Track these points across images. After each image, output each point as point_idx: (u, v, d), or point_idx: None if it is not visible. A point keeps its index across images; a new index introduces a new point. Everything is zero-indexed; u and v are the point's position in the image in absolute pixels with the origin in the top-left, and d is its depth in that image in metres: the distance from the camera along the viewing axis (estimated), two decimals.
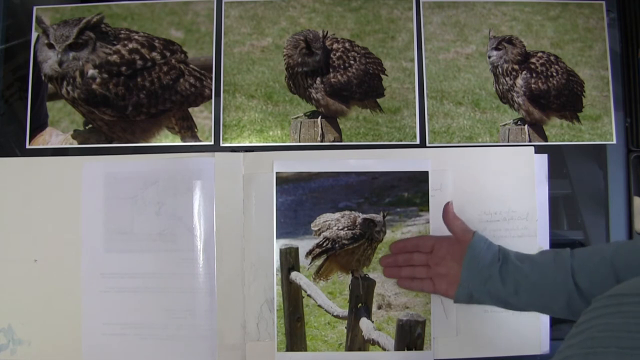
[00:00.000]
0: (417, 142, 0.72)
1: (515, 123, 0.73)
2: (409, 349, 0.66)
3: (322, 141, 0.71)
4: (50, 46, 0.71)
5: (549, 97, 0.73)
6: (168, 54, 0.72)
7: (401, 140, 0.72)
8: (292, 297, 0.67)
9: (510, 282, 0.54)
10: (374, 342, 0.66)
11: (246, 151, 0.70)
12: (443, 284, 0.60)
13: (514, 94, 0.73)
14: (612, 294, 0.37)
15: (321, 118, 0.72)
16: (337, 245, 0.67)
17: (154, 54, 0.71)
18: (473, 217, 0.67)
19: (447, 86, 0.73)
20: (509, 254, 0.56)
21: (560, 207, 0.72)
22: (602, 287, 0.48)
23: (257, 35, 0.73)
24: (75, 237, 0.68)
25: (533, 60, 0.73)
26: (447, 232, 0.63)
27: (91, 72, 0.70)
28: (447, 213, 0.63)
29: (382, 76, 0.73)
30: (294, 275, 0.67)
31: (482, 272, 0.56)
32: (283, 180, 0.68)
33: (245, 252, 0.68)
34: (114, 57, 0.71)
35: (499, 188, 0.69)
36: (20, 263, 0.68)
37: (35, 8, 0.73)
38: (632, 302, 0.34)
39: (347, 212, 0.68)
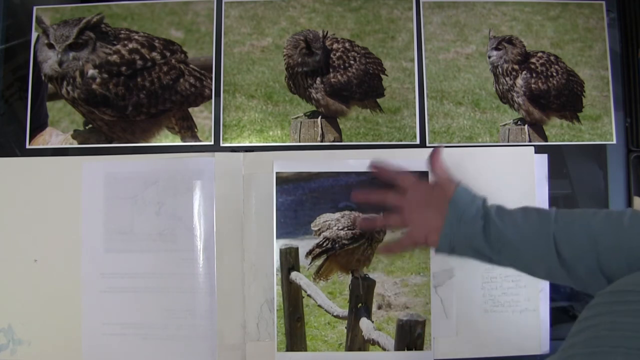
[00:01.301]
0: (417, 142, 0.72)
1: (515, 123, 0.73)
2: (409, 349, 0.66)
3: (322, 141, 0.71)
4: (50, 46, 0.71)
5: (549, 97, 0.73)
6: (168, 54, 0.72)
7: (401, 140, 0.72)
8: (292, 297, 0.67)
9: (492, 241, 0.52)
10: (374, 342, 0.66)
11: (246, 151, 0.70)
12: (418, 230, 0.57)
13: (514, 94, 0.73)
14: (617, 290, 0.37)
15: (321, 118, 0.72)
16: (337, 245, 0.67)
17: (154, 54, 0.71)
18: None
19: (447, 86, 0.73)
20: (490, 213, 0.53)
21: (560, 207, 0.71)
22: (583, 262, 0.47)
23: (257, 35, 0.73)
24: (75, 237, 0.68)
25: (533, 60, 0.73)
26: None
27: (91, 72, 0.70)
28: (436, 157, 0.59)
29: (382, 76, 0.73)
30: (294, 275, 0.67)
31: (465, 229, 0.53)
32: (283, 180, 0.68)
33: (245, 252, 0.68)
34: (114, 57, 0.71)
35: (499, 188, 0.69)
36: (20, 263, 0.68)
37: (35, 8, 0.73)
38: (638, 301, 0.34)
39: (347, 212, 0.68)
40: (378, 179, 0.65)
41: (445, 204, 0.55)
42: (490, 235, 0.52)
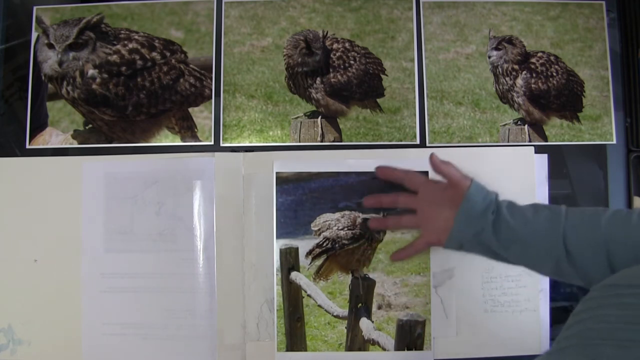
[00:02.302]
0: (417, 142, 0.72)
1: (515, 123, 0.73)
2: (409, 349, 0.66)
3: (322, 141, 0.71)
4: (50, 46, 0.71)
5: (549, 97, 0.73)
6: (168, 54, 0.72)
7: (401, 140, 0.72)
8: (292, 297, 0.67)
9: (502, 237, 0.52)
10: (374, 342, 0.66)
11: (246, 151, 0.70)
12: (431, 231, 0.58)
13: (514, 94, 0.73)
14: (609, 283, 0.37)
15: (321, 118, 0.72)
16: (337, 245, 0.67)
17: (154, 54, 0.71)
18: None
19: (447, 86, 0.73)
20: (502, 208, 0.54)
21: None
22: (592, 259, 0.47)
23: (257, 35, 0.73)
24: (75, 237, 0.68)
25: (533, 60, 0.73)
26: None
27: (91, 72, 0.70)
28: (435, 162, 0.59)
29: (382, 76, 0.73)
30: (294, 275, 0.67)
31: (476, 223, 0.54)
32: (283, 180, 0.68)
33: (245, 252, 0.68)
34: (114, 57, 0.71)
35: (499, 188, 0.68)
36: (20, 263, 0.68)
37: (35, 8, 0.73)
38: (629, 294, 0.34)
39: (347, 212, 0.68)
40: (379, 179, 0.65)
41: (458, 201, 0.55)
42: (500, 230, 0.52)
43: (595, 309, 0.35)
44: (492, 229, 0.53)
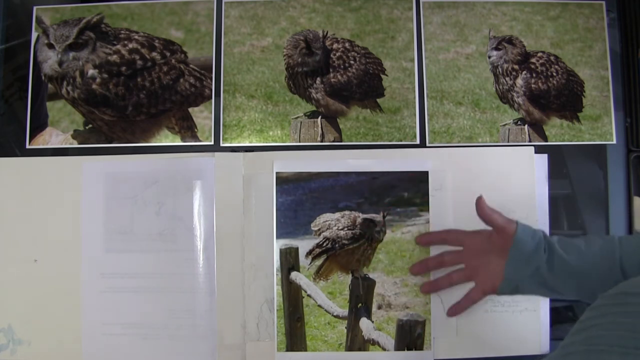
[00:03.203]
0: (417, 142, 0.72)
1: (515, 123, 0.73)
2: (409, 349, 0.66)
3: (322, 141, 0.71)
4: (50, 46, 0.71)
5: (549, 97, 0.73)
6: (168, 54, 0.72)
7: (401, 140, 0.72)
8: (292, 297, 0.67)
9: (557, 273, 0.53)
10: (374, 342, 0.66)
11: (246, 151, 0.70)
12: (485, 280, 0.58)
13: (514, 94, 0.73)
14: (618, 292, 0.37)
15: (321, 118, 0.72)
16: (337, 245, 0.67)
17: (154, 54, 0.71)
18: (473, 217, 0.67)
19: (447, 86, 0.73)
20: (554, 245, 0.54)
21: (560, 207, 0.72)
22: None
23: (257, 35, 0.73)
24: (75, 237, 0.68)
25: (533, 60, 0.73)
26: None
27: (91, 72, 0.70)
28: (482, 207, 0.59)
29: (382, 76, 0.73)
30: (294, 275, 0.67)
31: (529, 265, 0.54)
32: (283, 180, 0.68)
33: (245, 252, 0.68)
34: (114, 57, 0.71)
35: (499, 188, 0.69)
36: (20, 263, 0.68)
37: (35, 8, 0.73)
38: (637, 303, 0.34)
39: (347, 212, 0.68)
40: (378, 179, 0.65)
41: (507, 245, 0.55)
42: (554, 266, 0.53)
43: (603, 316, 0.35)
44: (547, 267, 0.53)
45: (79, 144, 0.72)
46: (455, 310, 0.65)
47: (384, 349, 0.66)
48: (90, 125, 0.72)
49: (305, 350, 0.66)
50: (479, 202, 0.60)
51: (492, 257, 0.57)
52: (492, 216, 0.59)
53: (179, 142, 0.72)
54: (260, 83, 0.72)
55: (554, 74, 0.73)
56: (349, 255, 0.67)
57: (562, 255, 0.53)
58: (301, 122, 0.72)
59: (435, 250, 0.67)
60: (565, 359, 0.35)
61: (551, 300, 0.68)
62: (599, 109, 0.73)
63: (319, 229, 0.68)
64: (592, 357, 0.33)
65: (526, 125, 0.73)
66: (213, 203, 0.68)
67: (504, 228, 0.57)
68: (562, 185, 0.72)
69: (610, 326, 0.34)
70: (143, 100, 0.71)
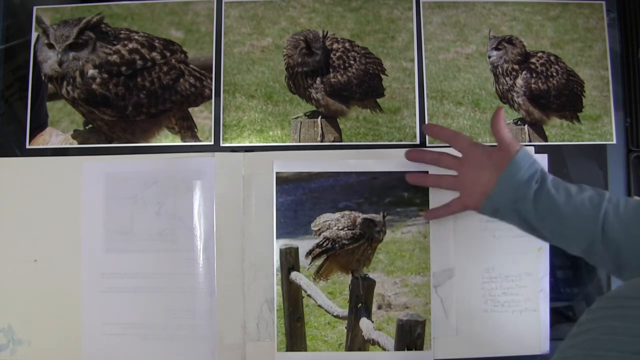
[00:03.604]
0: (417, 142, 0.72)
1: (515, 123, 0.73)
2: (409, 349, 0.66)
3: (322, 141, 0.71)
4: (50, 46, 0.71)
5: (549, 97, 0.73)
6: (168, 54, 0.72)
7: (401, 140, 0.72)
8: (292, 297, 0.67)
9: (541, 207, 0.52)
10: (374, 342, 0.66)
11: (246, 151, 0.70)
12: (470, 194, 0.58)
13: (514, 94, 0.73)
14: (615, 295, 0.37)
15: (321, 118, 0.72)
16: (337, 245, 0.67)
17: (154, 54, 0.71)
18: (473, 217, 0.67)
19: (447, 86, 0.73)
20: (547, 179, 0.53)
21: None
22: (627, 245, 0.48)
23: (257, 35, 0.73)
24: (75, 237, 0.68)
25: (533, 60, 0.73)
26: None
27: (91, 72, 0.70)
28: (499, 119, 0.57)
29: (382, 76, 0.73)
30: (294, 275, 0.67)
31: (517, 190, 0.53)
32: (283, 180, 0.68)
33: (245, 252, 0.68)
34: (114, 57, 0.71)
35: None
36: (20, 263, 0.68)
37: (35, 8, 0.73)
38: (634, 306, 0.34)
39: (347, 212, 0.68)
40: (378, 179, 0.65)
41: (504, 165, 0.55)
42: (540, 200, 0.52)
43: (600, 319, 0.35)
44: (533, 198, 0.53)
45: (79, 144, 0.72)
46: (430, 215, 0.65)
47: (384, 349, 0.66)
48: (90, 125, 0.72)
49: (305, 350, 0.66)
50: (498, 112, 0.58)
51: (485, 172, 0.56)
52: (503, 129, 0.57)
53: (179, 142, 0.72)
54: (260, 83, 0.72)
55: (554, 74, 0.73)
56: (349, 255, 0.67)
57: (551, 191, 0.52)
58: (301, 122, 0.72)
59: (438, 245, 0.67)
60: None
61: (551, 300, 0.68)
62: (599, 109, 0.73)
63: (319, 229, 0.68)
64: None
65: (526, 125, 0.73)
66: (213, 203, 0.68)
67: (508, 145, 0.56)
68: None
69: (607, 331, 0.34)
70: (143, 100, 0.71)
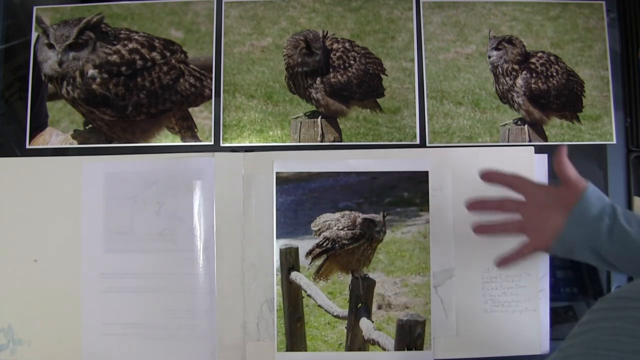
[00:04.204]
0: (417, 142, 0.72)
1: (515, 123, 0.73)
2: (409, 349, 0.66)
3: (322, 141, 0.71)
4: (50, 46, 0.71)
5: (549, 97, 0.73)
6: (168, 54, 0.72)
7: (401, 140, 0.72)
8: (292, 297, 0.67)
9: (616, 242, 0.51)
10: (374, 342, 0.66)
11: (246, 151, 0.70)
12: (539, 235, 0.56)
13: (514, 94, 0.73)
14: (618, 296, 0.37)
15: (321, 118, 0.72)
16: (337, 245, 0.67)
17: (154, 54, 0.72)
18: (472, 218, 0.67)
19: (447, 86, 0.73)
20: (618, 213, 0.52)
21: None
22: None
23: (257, 35, 0.73)
24: (75, 237, 0.68)
25: (533, 60, 0.73)
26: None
27: (91, 72, 0.70)
28: (561, 157, 0.56)
29: (382, 76, 0.73)
30: (294, 275, 0.67)
31: (589, 227, 0.52)
32: (283, 180, 0.68)
33: (245, 252, 0.68)
34: (114, 57, 0.71)
35: (499, 188, 0.69)
36: (20, 263, 0.68)
37: (35, 8, 0.73)
38: (636, 307, 0.34)
39: (347, 212, 0.68)
40: (378, 179, 0.65)
41: (573, 203, 0.53)
42: (614, 234, 0.51)
43: (602, 320, 0.35)
44: (607, 234, 0.51)
45: (79, 144, 0.72)
46: (503, 262, 0.61)
47: (384, 349, 0.66)
48: (90, 125, 0.72)
49: (305, 350, 0.66)
50: (561, 151, 0.56)
51: (553, 213, 0.55)
52: (568, 169, 0.56)
53: (179, 142, 0.72)
54: (260, 83, 0.72)
55: (554, 74, 0.73)
56: (349, 255, 0.67)
57: (624, 225, 0.51)
58: (301, 122, 0.72)
59: (438, 245, 0.67)
60: None
61: (551, 300, 0.68)
62: (599, 109, 0.73)
63: (319, 229, 0.68)
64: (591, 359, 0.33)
65: (526, 125, 0.73)
66: (213, 203, 0.68)
67: (575, 183, 0.55)
68: None
69: (609, 331, 0.34)
70: (143, 100, 0.71)
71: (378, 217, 0.67)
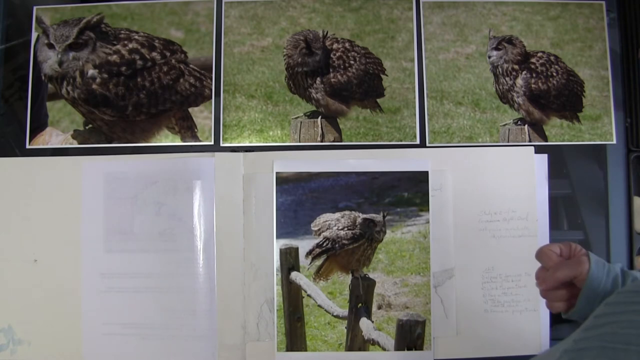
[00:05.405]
0: (417, 142, 0.72)
1: (515, 123, 0.73)
2: (409, 349, 0.66)
3: (322, 141, 0.71)
4: (50, 46, 0.71)
5: (549, 97, 0.73)
6: (168, 54, 0.72)
7: (401, 140, 0.72)
8: (292, 297, 0.67)
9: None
10: (374, 342, 0.66)
11: (246, 151, 0.70)
12: (558, 302, 0.56)
13: (514, 94, 0.73)
14: (636, 289, 0.37)
15: (321, 118, 0.72)
16: (337, 245, 0.67)
17: (154, 54, 0.71)
18: (473, 217, 0.67)
19: (447, 86, 0.73)
20: (628, 279, 0.51)
21: (560, 207, 0.72)
22: None
23: (257, 35, 0.73)
24: (75, 237, 0.68)
25: (533, 60, 0.73)
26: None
27: (91, 72, 0.70)
28: (545, 276, 0.55)
29: (382, 76, 0.73)
30: (294, 275, 0.67)
31: (603, 299, 0.52)
32: (283, 180, 0.68)
33: (245, 252, 0.68)
34: (114, 57, 0.71)
35: (499, 188, 0.69)
36: (20, 263, 0.68)
37: (35, 8, 0.73)
38: None
39: (347, 212, 0.68)
40: (378, 179, 0.65)
41: (583, 282, 0.52)
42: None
43: (621, 314, 0.35)
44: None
45: (79, 144, 0.72)
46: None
47: (384, 349, 0.66)
48: (90, 125, 0.72)
49: (305, 350, 0.66)
50: (540, 255, 0.56)
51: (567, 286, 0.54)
52: (560, 277, 0.54)
53: (179, 142, 0.72)
54: (260, 83, 0.72)
55: (554, 74, 0.73)
56: (349, 255, 0.67)
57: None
58: (301, 122, 0.72)
59: (438, 245, 0.67)
60: (579, 354, 0.34)
61: None
62: (599, 109, 0.73)
63: (319, 229, 0.68)
64: (608, 354, 0.32)
65: (526, 125, 0.73)
66: (213, 203, 0.68)
67: (576, 277, 0.53)
68: (562, 185, 0.72)
69: (628, 324, 0.33)
70: (143, 100, 0.71)
71: (378, 217, 0.67)
